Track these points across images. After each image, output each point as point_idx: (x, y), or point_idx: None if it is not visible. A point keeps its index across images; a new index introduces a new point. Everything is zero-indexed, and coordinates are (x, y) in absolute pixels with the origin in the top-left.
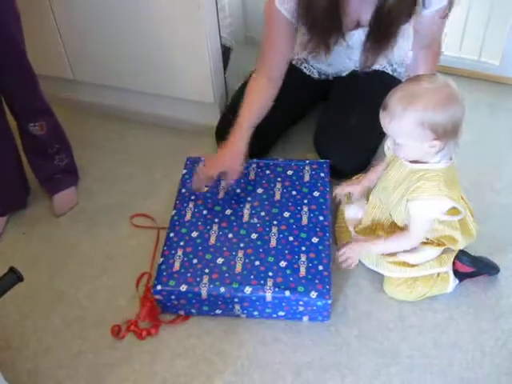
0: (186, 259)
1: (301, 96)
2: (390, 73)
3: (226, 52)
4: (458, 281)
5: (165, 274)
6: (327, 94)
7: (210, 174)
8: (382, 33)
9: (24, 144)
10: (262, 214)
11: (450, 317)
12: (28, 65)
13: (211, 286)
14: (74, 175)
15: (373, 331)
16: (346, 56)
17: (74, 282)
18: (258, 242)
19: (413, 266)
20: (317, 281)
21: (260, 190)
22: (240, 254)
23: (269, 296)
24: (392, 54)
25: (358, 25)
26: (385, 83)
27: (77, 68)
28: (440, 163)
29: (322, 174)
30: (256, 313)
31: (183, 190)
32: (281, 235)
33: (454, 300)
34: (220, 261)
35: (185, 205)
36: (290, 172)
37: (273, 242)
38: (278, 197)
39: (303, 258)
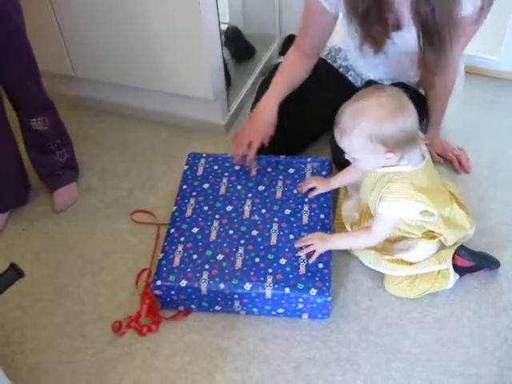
0: (186, 255)
1: (340, 101)
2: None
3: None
4: (458, 276)
5: (165, 269)
6: None
7: (243, 143)
8: (432, 34)
9: (25, 139)
10: (263, 211)
11: (450, 312)
12: (32, 58)
13: (211, 281)
14: (75, 171)
15: (374, 327)
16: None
17: (74, 277)
18: (259, 239)
19: (411, 263)
20: (317, 278)
21: (261, 187)
22: (240, 250)
23: (268, 293)
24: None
25: (398, 25)
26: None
27: (77, 65)
28: (408, 166)
29: (324, 172)
30: (255, 310)
31: (184, 186)
32: (281, 233)
33: (455, 295)
34: (220, 257)
35: (186, 201)
36: (291, 170)
37: (273, 240)
38: (279, 194)
39: (303, 256)
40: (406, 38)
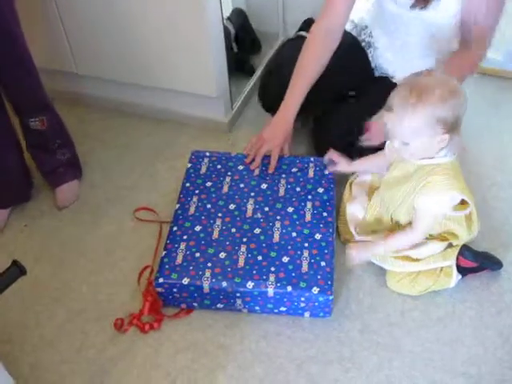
0: (188, 253)
1: (353, 75)
2: None
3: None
4: (460, 276)
5: (167, 266)
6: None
7: (262, 152)
8: None
9: (26, 138)
10: (266, 209)
11: (452, 312)
12: (28, 60)
13: (213, 280)
14: (77, 169)
15: (376, 325)
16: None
17: (76, 275)
18: (261, 237)
19: (416, 260)
20: (319, 276)
21: (264, 186)
22: (243, 248)
23: (271, 291)
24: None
25: None
26: None
27: (80, 62)
28: (446, 157)
29: (327, 172)
30: (257, 308)
31: (187, 184)
32: (284, 230)
33: (457, 295)
34: (223, 255)
35: (189, 199)
36: (294, 169)
37: (276, 238)
38: (282, 193)
39: (306, 253)
40: (442, 7)
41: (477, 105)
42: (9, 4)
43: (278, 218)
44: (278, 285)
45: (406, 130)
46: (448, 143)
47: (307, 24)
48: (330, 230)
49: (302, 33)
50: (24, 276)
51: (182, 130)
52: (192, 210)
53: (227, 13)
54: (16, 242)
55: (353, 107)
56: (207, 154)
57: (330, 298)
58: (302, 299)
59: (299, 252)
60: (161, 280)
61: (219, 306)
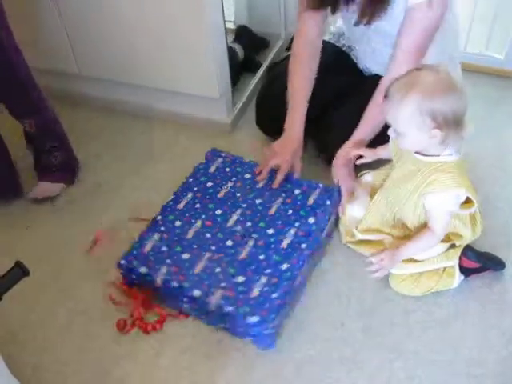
0: (158, 244)
1: (343, 79)
2: None
3: None
4: (463, 276)
5: (134, 252)
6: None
7: (270, 164)
8: None
9: (24, 135)
10: (248, 224)
11: (455, 312)
12: (14, 69)
13: (167, 277)
14: (68, 173)
15: (378, 326)
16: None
17: (78, 276)
18: (231, 250)
19: (419, 261)
20: (266, 306)
21: (258, 201)
22: (207, 255)
23: (212, 305)
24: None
25: None
26: None
27: (82, 63)
28: (452, 156)
29: (328, 202)
30: (203, 317)
31: (190, 179)
32: (253, 250)
33: (460, 295)
34: (186, 256)
35: (184, 194)
36: (297, 191)
37: (243, 255)
38: (272, 211)
39: (264, 279)
40: (394, 18)
41: (478, 104)
42: None
43: (255, 236)
44: (222, 302)
45: (394, 118)
46: (444, 140)
47: None
48: (301, 263)
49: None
50: (27, 277)
51: (183, 130)
52: (182, 205)
53: (228, 14)
54: (19, 243)
55: (349, 106)
56: (222, 154)
57: (270, 331)
58: (239, 324)
59: (257, 277)
60: (122, 262)
61: (168, 303)
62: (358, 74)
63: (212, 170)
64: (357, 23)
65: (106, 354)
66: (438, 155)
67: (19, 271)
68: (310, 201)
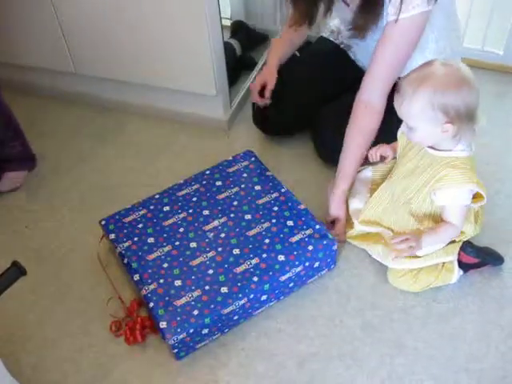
0: (138, 219)
1: (341, 76)
2: None
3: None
4: (462, 272)
5: (117, 217)
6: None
7: (253, 87)
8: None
9: None
10: (222, 235)
11: (454, 307)
12: None
13: (123, 251)
14: (29, 161)
15: (377, 322)
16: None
17: (77, 275)
18: (188, 253)
19: (418, 256)
20: (180, 318)
21: (247, 216)
22: (167, 248)
23: (142, 295)
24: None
25: None
26: None
27: (78, 61)
28: (464, 151)
29: (311, 247)
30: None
31: (207, 172)
32: (207, 262)
33: (459, 291)
34: (150, 240)
35: (192, 183)
36: (289, 223)
37: (195, 262)
38: (251, 233)
39: (197, 293)
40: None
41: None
42: None
43: (219, 250)
44: (148, 295)
45: (406, 113)
46: (456, 134)
47: None
48: (240, 296)
49: None
50: (24, 276)
51: (180, 128)
52: (182, 193)
53: (224, 11)
54: (16, 242)
55: (342, 107)
56: (252, 159)
57: (170, 342)
58: (157, 325)
59: (193, 287)
60: (103, 221)
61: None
62: (357, 71)
63: (231, 169)
64: (352, 36)
65: (106, 353)
66: (450, 150)
67: (16, 271)
68: (294, 239)
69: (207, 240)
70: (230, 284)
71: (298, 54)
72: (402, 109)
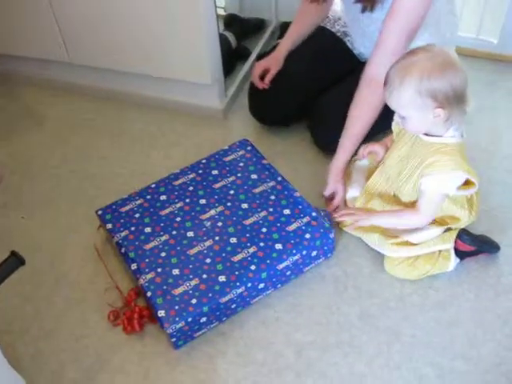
0: (135, 209)
1: (337, 64)
2: None
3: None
4: (458, 259)
5: (113, 206)
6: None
7: (255, 72)
8: None
9: None
10: (219, 224)
11: (451, 295)
12: None
13: (120, 241)
14: None
15: (374, 310)
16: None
17: (74, 265)
18: (185, 242)
19: (414, 244)
20: (178, 306)
21: (244, 205)
22: (164, 237)
23: (139, 284)
24: None
25: None
26: None
27: (72, 51)
28: (454, 138)
29: (308, 235)
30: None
31: (203, 161)
32: (205, 251)
33: (455, 278)
34: (147, 230)
35: (188, 172)
36: (286, 211)
37: (193, 251)
38: (248, 222)
39: (194, 281)
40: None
41: (472, 88)
42: None
43: (216, 238)
44: (146, 284)
45: (396, 103)
46: (448, 119)
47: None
48: (238, 284)
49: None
50: (23, 266)
51: (176, 118)
52: (178, 182)
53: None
54: (13, 233)
55: (341, 89)
56: (248, 148)
57: (169, 331)
58: (155, 313)
59: (191, 276)
60: (100, 211)
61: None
62: (354, 60)
63: (227, 158)
64: (363, 10)
65: (104, 342)
66: (441, 136)
67: (15, 260)
68: (291, 227)
69: (204, 229)
70: (228, 273)
71: None
72: (391, 100)
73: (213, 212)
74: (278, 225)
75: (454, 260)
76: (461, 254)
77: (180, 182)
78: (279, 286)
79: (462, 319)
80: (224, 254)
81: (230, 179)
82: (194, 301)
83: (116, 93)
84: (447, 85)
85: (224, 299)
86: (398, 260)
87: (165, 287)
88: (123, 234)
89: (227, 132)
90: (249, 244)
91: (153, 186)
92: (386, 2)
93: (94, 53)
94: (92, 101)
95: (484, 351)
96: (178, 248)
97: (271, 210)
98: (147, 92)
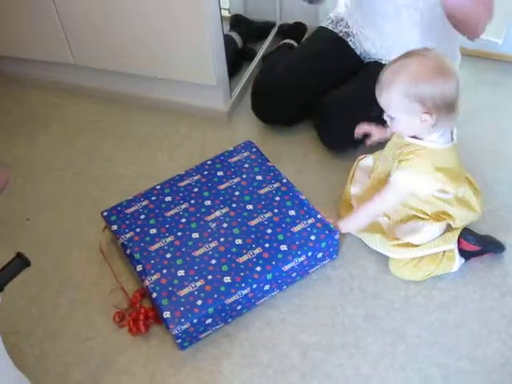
0: (140, 211)
1: (340, 64)
2: None
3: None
4: (463, 260)
5: (119, 208)
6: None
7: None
8: None
9: None
10: (224, 225)
11: (456, 296)
12: None
13: (125, 242)
14: None
15: (380, 311)
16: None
17: (79, 266)
18: (190, 243)
19: (417, 245)
20: (183, 308)
21: (249, 206)
22: (169, 238)
23: (144, 286)
24: None
25: None
26: None
27: (78, 53)
28: (435, 143)
29: (313, 237)
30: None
31: (208, 162)
32: (210, 253)
33: (460, 279)
34: (152, 231)
35: (193, 174)
36: (291, 212)
37: (198, 252)
38: (253, 223)
39: (200, 282)
40: None
41: (476, 88)
42: None
43: (221, 240)
44: (151, 286)
45: (385, 103)
46: (433, 123)
47: (288, 31)
48: (243, 285)
49: (286, 41)
50: (28, 268)
51: (181, 119)
52: (183, 183)
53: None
54: (19, 234)
55: (347, 89)
56: (253, 149)
57: (175, 332)
58: (161, 314)
59: (196, 277)
60: (105, 213)
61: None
62: (356, 60)
63: (232, 160)
64: None
65: (110, 344)
66: (422, 139)
67: (20, 262)
68: (296, 228)
69: (209, 230)
70: (233, 274)
71: (295, 45)
72: (381, 99)
73: (218, 213)
74: (283, 226)
75: (458, 260)
76: (466, 254)
77: (185, 183)
78: (284, 287)
79: (467, 320)
80: (229, 255)
81: (235, 180)
82: (199, 302)
83: (121, 95)
84: (436, 91)
85: (229, 300)
86: (402, 261)
87: (170, 288)
88: (128, 235)
89: (232, 133)
90: (254, 245)
91: (158, 187)
92: None
93: (99, 55)
94: (97, 103)
95: (489, 351)
96: (184, 249)
97: (276, 211)
98: (152, 94)
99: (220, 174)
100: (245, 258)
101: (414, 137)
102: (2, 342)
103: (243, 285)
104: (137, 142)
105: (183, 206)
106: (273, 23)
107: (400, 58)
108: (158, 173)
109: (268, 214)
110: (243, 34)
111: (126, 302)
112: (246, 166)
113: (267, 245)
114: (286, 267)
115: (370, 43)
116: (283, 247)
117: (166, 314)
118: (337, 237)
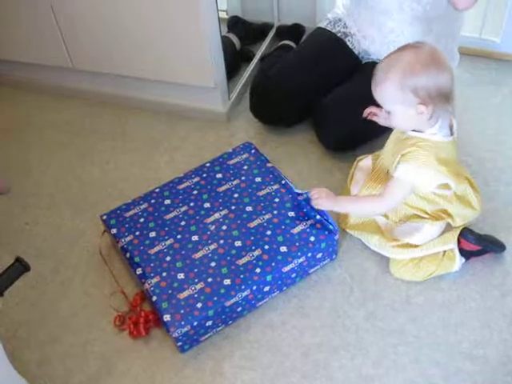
0: (139, 214)
1: (338, 64)
2: None
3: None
4: (464, 259)
5: (118, 211)
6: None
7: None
8: None
9: None
10: (224, 227)
11: (457, 296)
12: None
13: (125, 245)
14: None
15: (380, 312)
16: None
17: (79, 270)
18: (190, 246)
19: (416, 246)
20: (183, 310)
21: (248, 208)
22: (169, 241)
23: (144, 289)
24: None
25: None
26: None
27: (75, 56)
28: (436, 136)
29: (312, 238)
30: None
31: (207, 164)
32: (209, 255)
33: (461, 279)
34: (152, 234)
35: (192, 176)
36: (291, 213)
37: (198, 254)
38: (252, 224)
39: (200, 285)
40: None
41: (475, 87)
42: None
43: (220, 242)
44: (151, 289)
45: (381, 97)
46: (430, 115)
47: (286, 32)
48: (243, 287)
49: (284, 42)
50: (27, 272)
51: (179, 121)
52: (183, 186)
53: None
54: (18, 239)
55: (344, 89)
56: (252, 151)
57: (175, 335)
58: (161, 317)
59: (196, 280)
60: (104, 216)
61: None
62: (355, 60)
63: (231, 162)
64: None
65: (110, 347)
66: (422, 131)
67: (20, 266)
68: (295, 230)
69: (209, 233)
70: (233, 276)
71: (294, 46)
72: (376, 94)
73: (217, 215)
74: (283, 227)
75: (459, 260)
76: (466, 254)
77: (184, 185)
78: (285, 288)
79: (469, 319)
80: (229, 258)
81: (234, 182)
82: (199, 304)
83: (119, 97)
84: (430, 81)
85: (229, 302)
86: (402, 262)
87: (170, 291)
88: (128, 238)
89: (231, 135)
90: (254, 247)
91: (157, 190)
92: None
93: (97, 57)
94: (94, 105)
95: (490, 351)
96: (183, 252)
97: (276, 212)
98: (150, 96)
99: (219, 176)
100: (244, 259)
101: (414, 131)
102: (3, 346)
103: (243, 287)
104: (135, 145)
105: (182, 209)
106: (271, 24)
107: (394, 52)
108: (156, 175)
109: (267, 216)
110: (241, 36)
111: (126, 305)
112: (245, 167)
113: (267, 246)
114: (286, 268)
115: (368, 42)
116: (283, 248)
117: (167, 317)
118: (336, 237)
